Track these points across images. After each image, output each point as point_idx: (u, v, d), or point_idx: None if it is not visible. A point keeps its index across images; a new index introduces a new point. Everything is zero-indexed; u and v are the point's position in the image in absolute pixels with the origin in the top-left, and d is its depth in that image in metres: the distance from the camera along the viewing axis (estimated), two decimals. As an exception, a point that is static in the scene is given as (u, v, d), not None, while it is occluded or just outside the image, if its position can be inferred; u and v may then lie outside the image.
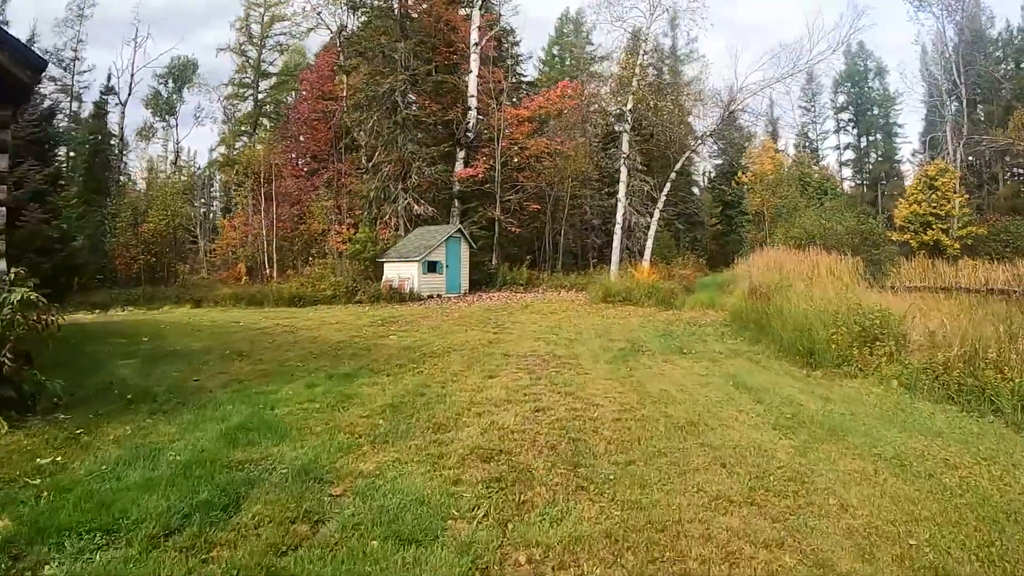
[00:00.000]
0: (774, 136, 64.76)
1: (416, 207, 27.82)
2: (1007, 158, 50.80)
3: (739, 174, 52.15)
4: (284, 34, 55.26)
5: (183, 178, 50.09)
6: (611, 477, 4.87)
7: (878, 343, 10.30)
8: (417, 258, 23.55)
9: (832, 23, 78.47)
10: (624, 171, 30.28)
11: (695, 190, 57.70)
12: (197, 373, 9.27)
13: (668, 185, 31.16)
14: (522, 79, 45.09)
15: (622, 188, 30.27)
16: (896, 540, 3.88)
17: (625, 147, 30.62)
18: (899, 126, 64.20)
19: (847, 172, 67.02)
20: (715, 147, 57.15)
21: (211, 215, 53.39)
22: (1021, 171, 52.03)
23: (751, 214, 49.45)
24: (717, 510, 4.29)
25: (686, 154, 32.46)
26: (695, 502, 4.41)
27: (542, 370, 9.45)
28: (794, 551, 3.68)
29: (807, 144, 66.84)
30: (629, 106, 30.59)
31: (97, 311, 21.16)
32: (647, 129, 32.94)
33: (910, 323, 10.65)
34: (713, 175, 59.57)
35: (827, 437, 6.28)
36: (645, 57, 32.41)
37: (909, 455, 5.75)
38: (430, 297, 23.39)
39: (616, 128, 32.92)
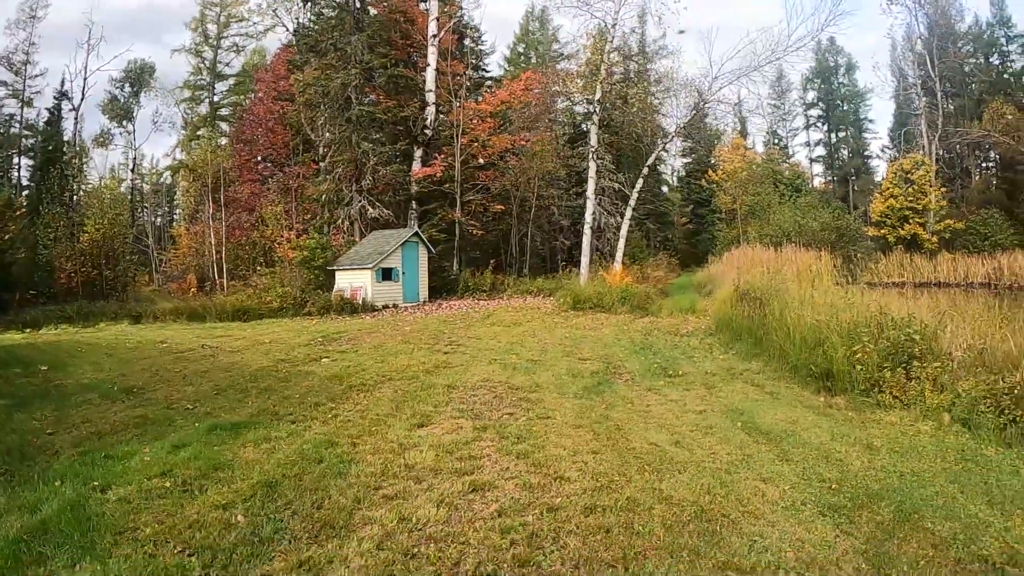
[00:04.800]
0: (743, 134, 63.80)
1: (371, 210, 25.82)
2: (978, 152, 50.57)
3: (709, 172, 51.26)
4: (241, 34, 53.56)
5: (140, 184, 48.05)
6: None
7: (916, 363, 8.12)
8: (370, 265, 21.42)
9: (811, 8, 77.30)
10: (592, 166, 28.38)
11: (664, 189, 56.62)
12: (60, 422, 7.32)
13: (640, 181, 29.35)
14: (485, 75, 43.41)
15: (591, 185, 28.37)
16: None
17: (593, 140, 28.72)
18: (869, 121, 63.50)
19: (818, 168, 66.28)
20: (684, 145, 56.24)
21: (172, 223, 51.32)
22: (992, 164, 51.27)
23: (722, 212, 48.19)
24: None
25: (660, 147, 30.69)
26: None
27: (491, 413, 7.29)
28: None
29: (777, 141, 65.77)
30: (597, 95, 28.76)
31: (28, 330, 19.03)
32: (616, 122, 31.62)
33: (947, 335, 8.56)
34: (682, 173, 58.51)
35: (899, 526, 4.28)
36: (614, 44, 30.82)
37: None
38: (385, 307, 21.34)
39: (583, 124, 31.38)
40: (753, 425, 6.85)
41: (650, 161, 30.00)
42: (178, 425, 6.89)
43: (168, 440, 6.25)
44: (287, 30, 35.75)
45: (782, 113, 66.68)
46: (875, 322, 9.14)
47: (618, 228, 30.37)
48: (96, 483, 5.06)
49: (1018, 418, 6.34)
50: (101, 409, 7.90)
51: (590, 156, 28.18)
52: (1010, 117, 44.87)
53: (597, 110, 28.74)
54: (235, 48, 54.19)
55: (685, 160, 58.54)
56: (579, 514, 4.41)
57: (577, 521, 4.29)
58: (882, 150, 61.16)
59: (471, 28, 41.25)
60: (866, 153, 63.07)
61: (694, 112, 32.44)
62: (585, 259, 27.76)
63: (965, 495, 4.82)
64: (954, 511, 4.50)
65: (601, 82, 28.58)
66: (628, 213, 28.55)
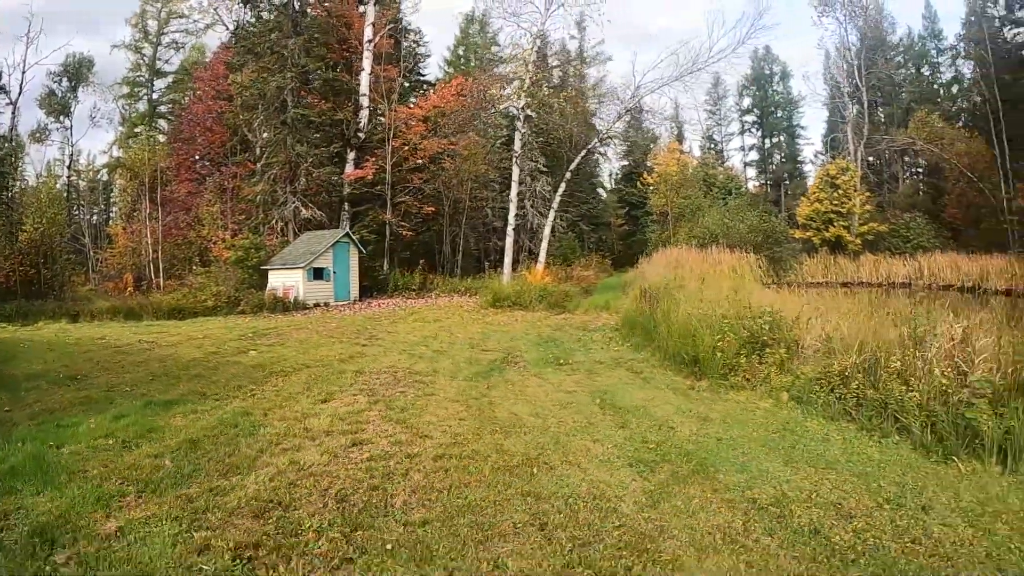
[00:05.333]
0: (680, 138, 65.89)
1: (304, 211, 26.82)
2: (906, 158, 52.76)
3: (644, 175, 52.90)
4: (181, 31, 53.19)
5: (77, 181, 47.87)
6: (389, 547, 4.13)
7: (768, 350, 9.62)
8: (302, 265, 22.52)
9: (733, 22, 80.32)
10: (516, 171, 29.82)
11: (601, 191, 58.16)
12: (15, 403, 8.39)
13: (563, 186, 30.86)
14: (421, 78, 44.47)
15: (514, 188, 29.83)
16: None
17: (517, 146, 30.21)
18: (802, 128, 66.62)
19: (751, 172, 68.83)
20: (621, 148, 57.84)
21: (108, 222, 51.02)
22: (919, 170, 53.89)
23: (655, 214, 49.94)
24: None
25: (581, 154, 32.05)
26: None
27: (387, 391, 8.78)
28: None
29: (712, 146, 68.20)
30: (521, 103, 30.16)
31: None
32: (540, 127, 32.84)
33: (804, 326, 10.01)
34: (619, 176, 60.25)
35: (693, 475, 5.58)
36: (539, 53, 32.19)
37: (792, 500, 5.01)
38: (316, 306, 22.44)
39: (516, 125, 32.38)
40: (611, 402, 8.35)
41: (572, 166, 31.41)
42: (118, 403, 8.11)
43: (110, 413, 7.52)
44: (227, 29, 36.08)
45: (718, 118, 69.17)
46: (742, 315, 10.81)
47: (553, 230, 31.88)
48: (52, 443, 6.29)
49: (844, 396, 7.71)
50: (50, 393, 9.01)
51: (513, 161, 29.48)
52: (940, 126, 47.48)
53: (521, 117, 29.99)
54: (175, 45, 53.93)
55: (623, 163, 60.44)
56: (429, 460, 5.87)
57: (426, 464, 5.75)
58: (816, 155, 63.81)
59: (411, 31, 42.21)
60: (799, 158, 65.76)
61: (616, 119, 33.80)
62: (508, 259, 29.08)
63: (767, 456, 6.13)
64: (748, 467, 5.80)
65: (525, 90, 29.89)
66: (551, 216, 29.91)
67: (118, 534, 4.23)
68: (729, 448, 6.34)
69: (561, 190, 30.82)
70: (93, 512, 4.59)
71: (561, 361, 11.55)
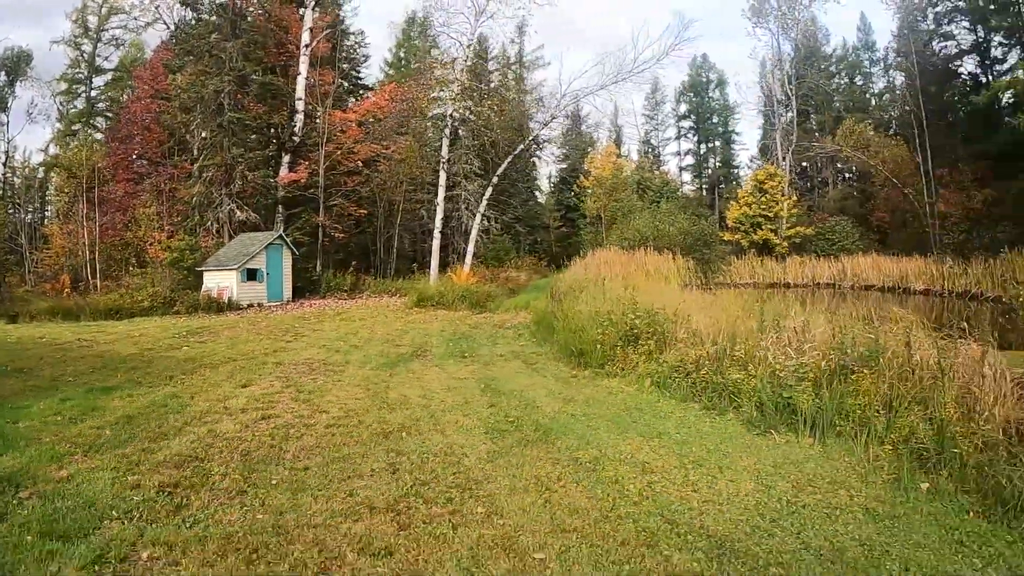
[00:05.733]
0: (618, 142, 67.94)
1: (239, 213, 27.74)
2: (838, 164, 55.28)
3: (581, 178, 54.57)
4: (121, 27, 52.93)
5: (12, 179, 47.79)
6: (274, 483, 5.57)
7: (640, 342, 11.06)
8: (236, 266, 23.54)
9: (662, 33, 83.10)
10: (443, 175, 31.29)
11: (539, 194, 59.74)
12: None
13: (489, 190, 32.34)
14: (359, 81, 45.54)
15: (440, 193, 31.26)
16: (517, 552, 4.28)
17: (445, 152, 31.61)
18: (736, 134, 69.43)
19: (687, 176, 71.30)
20: (560, 152, 59.50)
21: (44, 221, 50.78)
22: (850, 175, 56.46)
23: (590, 217, 51.61)
24: (350, 516, 4.87)
25: (507, 159, 33.60)
26: (336, 508, 5.04)
27: (300, 378, 10.26)
28: (400, 561, 4.19)
29: (650, 150, 70.47)
30: (450, 111, 31.56)
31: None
32: (475, 131, 34.03)
33: (682, 321, 11.43)
34: (557, 179, 61.96)
35: (536, 441, 6.98)
36: (468, 63, 33.53)
37: (611, 459, 6.33)
38: (249, 306, 23.47)
39: (457, 130, 33.72)
40: (494, 388, 9.88)
41: (500, 171, 32.86)
42: (63, 390, 9.36)
43: (56, 397, 8.80)
44: (167, 27, 36.56)
45: (656, 123, 71.48)
46: (627, 312, 12.44)
47: (486, 231, 33.32)
48: (9, 420, 7.60)
49: (695, 381, 9.17)
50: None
51: (441, 166, 30.83)
52: (869, 134, 50.04)
53: (449, 123, 31.39)
54: (115, 42, 53.77)
55: (560, 166, 62.28)
56: (322, 428, 7.38)
57: (318, 431, 7.25)
58: (751, 160, 66.34)
59: (352, 34, 43.32)
60: (735, 163, 68.32)
61: (542, 127, 35.30)
62: (434, 261, 30.42)
63: (607, 428, 7.54)
64: (586, 436, 7.23)
65: (453, 99, 31.30)
66: (477, 219, 31.26)
67: (68, 479, 5.60)
68: (578, 422, 7.84)
69: (487, 194, 32.27)
70: (48, 466, 5.94)
71: (465, 355, 13.10)
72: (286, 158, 30.74)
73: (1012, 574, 4.06)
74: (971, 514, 4.94)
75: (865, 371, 7.41)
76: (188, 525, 4.65)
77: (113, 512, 4.83)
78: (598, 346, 11.51)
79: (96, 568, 3.95)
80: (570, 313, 14.15)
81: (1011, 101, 35.43)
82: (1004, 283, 28.46)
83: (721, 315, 11.37)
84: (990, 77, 38.52)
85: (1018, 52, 37.86)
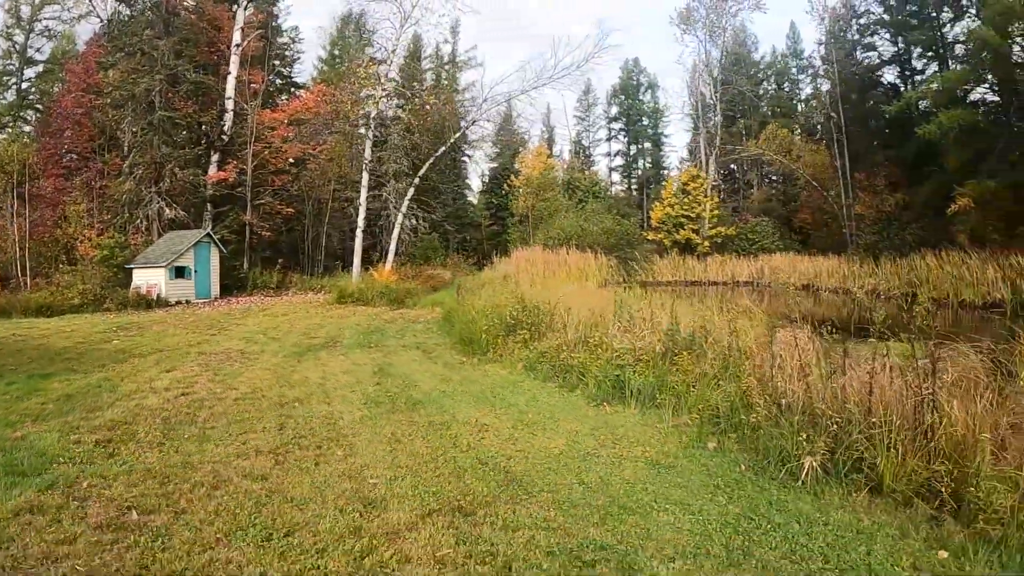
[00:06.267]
0: (550, 142, 70.10)
1: (168, 211, 28.73)
2: (763, 167, 57.96)
3: (511, 177, 56.30)
4: (55, 18, 52.66)
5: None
6: (186, 437, 7.25)
7: (518, 331, 12.96)
8: (164, 264, 24.62)
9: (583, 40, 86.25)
10: (366, 176, 32.79)
11: (469, 193, 61.36)
12: None
13: (412, 190, 33.96)
14: (290, 79, 46.61)
15: (363, 192, 32.74)
16: (358, 479, 6.04)
17: (368, 153, 33.03)
18: (666, 136, 72.14)
19: (617, 177, 73.66)
20: (492, 151, 61.17)
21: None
22: (774, 178, 59.11)
23: (519, 216, 53.43)
24: (241, 457, 6.56)
25: (428, 161, 35.19)
26: (231, 452, 6.72)
27: (218, 364, 11.91)
28: (271, 483, 5.97)
29: (581, 151, 72.70)
30: (373, 113, 33.05)
31: None
32: (397, 134, 35.07)
33: (560, 313, 13.26)
34: (488, 179, 63.62)
35: (403, 410, 8.73)
36: (393, 67, 35.03)
37: (459, 422, 8.02)
38: (178, 303, 24.60)
39: (389, 129, 34.87)
40: (387, 371, 11.67)
41: (422, 172, 34.49)
42: (6, 376, 10.74)
43: (2, 383, 10.36)
44: (101, 20, 36.98)
45: (587, 124, 73.74)
46: (513, 305, 14.34)
47: (414, 230, 34.84)
48: None
49: (556, 364, 11.03)
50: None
51: (364, 168, 32.24)
52: (791, 138, 52.82)
53: (372, 127, 32.85)
54: (47, 33, 52.85)
55: (492, 165, 64.01)
56: (231, 401, 9.07)
57: (227, 403, 8.94)
58: (681, 162, 68.95)
59: (285, 31, 44.37)
60: (664, 165, 70.89)
61: (461, 132, 36.89)
62: (356, 259, 31.90)
63: (468, 402, 9.31)
64: (446, 407, 8.98)
65: (376, 102, 32.73)
66: (399, 218, 32.76)
67: (22, 438, 7.17)
68: (446, 397, 9.61)
69: (410, 194, 33.84)
70: (4, 430, 7.49)
71: (371, 345, 14.85)
72: (215, 157, 31.84)
73: (749, 507, 5.52)
74: (742, 467, 6.41)
75: (685, 353, 9.39)
76: (118, 464, 6.27)
77: (60, 459, 6.41)
78: (484, 336, 13.40)
79: (50, 491, 5.54)
80: (467, 307, 16.04)
81: (925, 110, 38.39)
82: (908, 282, 31.00)
83: (599, 308, 13.33)
84: (909, 87, 41.33)
85: (936, 64, 40.91)
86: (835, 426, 6.21)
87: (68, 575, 4.02)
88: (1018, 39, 31.72)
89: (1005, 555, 4.41)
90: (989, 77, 34.70)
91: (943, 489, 5.26)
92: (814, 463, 5.94)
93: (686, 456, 6.84)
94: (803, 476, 5.92)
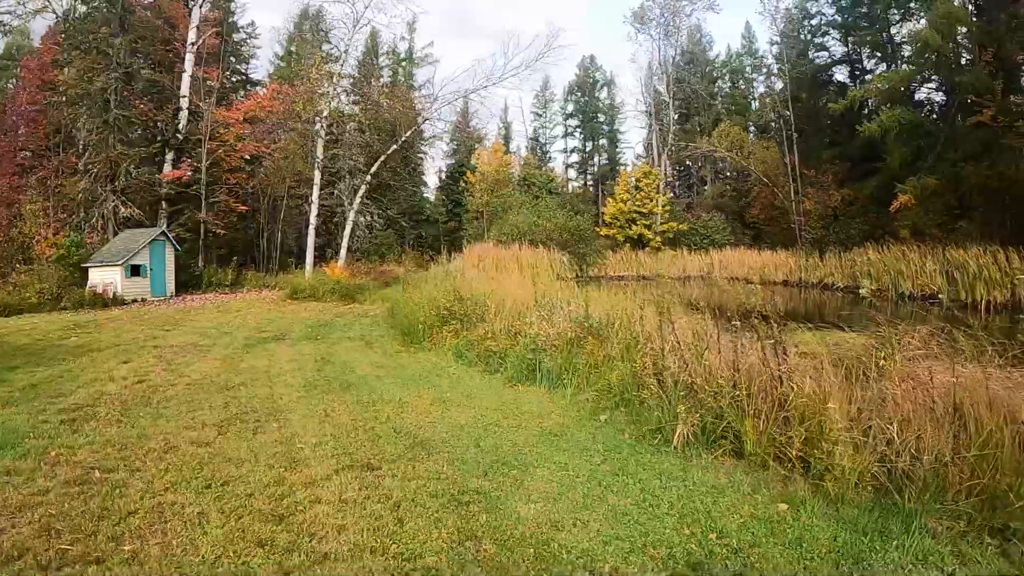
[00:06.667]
0: (507, 138, 71.34)
1: (124, 209, 29.28)
2: (717, 163, 59.50)
3: (468, 173, 57.40)
4: (8, 13, 52.59)
5: None
6: (142, 416, 8.31)
7: (452, 322, 14.24)
8: (120, 262, 25.19)
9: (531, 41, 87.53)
10: (318, 175, 33.65)
11: (425, 189, 62.34)
12: None
13: (364, 187, 34.90)
14: (247, 77, 47.23)
15: (315, 190, 33.60)
16: (289, 444, 7.50)
17: (319, 152, 33.91)
18: (621, 133, 73.88)
19: (573, 173, 75.09)
20: (450, 147, 62.19)
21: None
22: (728, 174, 60.81)
23: (474, 212, 54.52)
24: (189, 429, 7.68)
25: (380, 159, 36.07)
26: (181, 425, 7.85)
27: (172, 356, 12.91)
28: (214, 448, 7.22)
29: (537, 147, 74.02)
30: (325, 112, 33.88)
31: None
32: (352, 131, 36.15)
33: (494, 305, 14.34)
34: (445, 174, 64.65)
35: (337, 391, 9.91)
36: (344, 68, 35.89)
37: (384, 401, 9.16)
38: (134, 301, 25.19)
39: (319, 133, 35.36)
40: (328, 360, 12.77)
41: (373, 169, 35.33)
42: None
43: (-34, 374, 11.34)
44: (56, 16, 37.24)
45: (544, 121, 75.07)
46: (450, 299, 15.52)
47: (368, 227, 35.75)
48: None
49: (481, 351, 12.25)
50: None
51: (315, 166, 33.09)
52: (746, 135, 54.44)
53: (324, 125, 33.65)
54: (1, 28, 53.22)
55: (449, 161, 65.07)
56: (183, 386, 10.13)
57: (180, 388, 10.00)
58: (637, 158, 70.65)
59: (242, 28, 44.94)
60: (620, 161, 72.48)
61: (409, 131, 37.82)
62: (309, 256, 32.81)
63: (396, 383, 10.51)
64: (375, 388, 10.16)
65: (329, 102, 33.55)
66: (351, 215, 33.66)
67: (-6, 419, 8.26)
68: (378, 381, 10.77)
69: (362, 192, 34.75)
70: (-23, 413, 8.57)
71: (318, 337, 15.91)
72: (170, 155, 32.42)
73: (619, 466, 6.60)
74: (625, 435, 7.52)
75: (591, 338, 10.63)
76: (82, 437, 7.33)
77: (30, 434, 7.43)
78: (421, 327, 14.60)
79: (23, 459, 6.57)
80: (409, 300, 17.19)
81: (872, 109, 40.23)
82: (851, 275, 32.59)
83: (531, 299, 14.53)
84: (858, 86, 43.08)
85: (884, 64, 42.79)
86: (709, 399, 7.34)
87: (43, 518, 5.10)
88: (962, 41, 33.61)
89: (839, 507, 5.39)
90: (934, 77, 36.55)
91: (793, 452, 6.30)
92: (685, 431, 7.09)
93: (578, 427, 8.03)
94: (675, 442, 7.06)
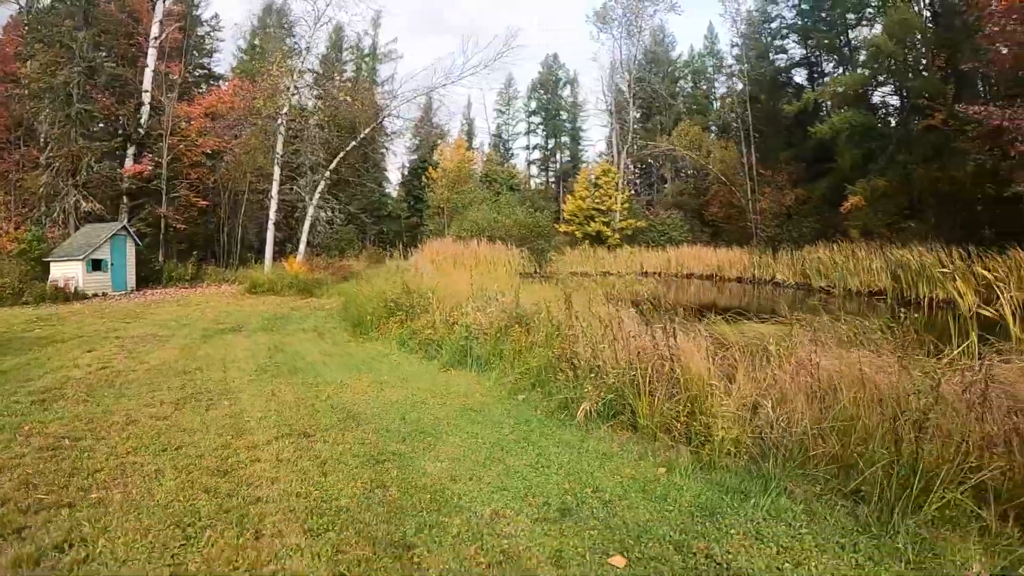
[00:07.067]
0: (470, 134, 72.37)
1: (85, 204, 29.72)
2: (677, 162, 60.70)
3: (430, 169, 58.28)
4: None
5: None
6: (106, 395, 9.28)
7: (398, 313, 15.41)
8: (81, 257, 25.67)
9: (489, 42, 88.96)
10: (277, 171, 34.39)
11: (388, 184, 63.16)
12: None
13: (323, 183, 35.76)
14: (210, 71, 47.72)
15: (275, 186, 34.37)
16: (238, 417, 8.51)
17: (279, 148, 34.58)
18: (583, 131, 75.52)
19: (535, 170, 76.44)
20: (412, 143, 63.03)
21: None
22: (689, 173, 62.17)
23: (435, 208, 55.51)
24: (149, 406, 8.68)
25: (338, 156, 36.85)
26: (141, 403, 8.85)
27: (134, 345, 13.84)
28: (171, 420, 8.29)
29: (500, 143, 75.12)
30: (284, 109, 34.58)
31: None
32: (314, 126, 36.64)
33: (437, 298, 15.37)
34: (407, 170, 65.49)
35: (284, 375, 10.96)
36: (306, 65, 36.65)
37: (326, 382, 10.27)
38: (95, 296, 25.66)
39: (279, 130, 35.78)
40: (281, 349, 13.80)
41: (332, 165, 36.23)
42: None
43: (-62, 361, 12.19)
44: (19, 6, 37.24)
45: (507, 118, 76.20)
46: (398, 291, 16.61)
47: (329, 222, 36.55)
48: None
49: (422, 339, 13.40)
50: None
51: (275, 162, 33.85)
52: (707, 135, 55.80)
53: (283, 122, 34.34)
54: None
55: (412, 157, 65.92)
56: (144, 371, 11.11)
57: (140, 373, 10.97)
58: (599, 156, 71.94)
59: (206, 21, 45.40)
60: (582, 159, 73.83)
61: (369, 128, 38.64)
62: (268, 251, 33.62)
63: (340, 369, 11.58)
64: (320, 372, 11.21)
65: (289, 99, 34.26)
66: (310, 211, 34.45)
67: (-29, 399, 9.19)
68: (324, 367, 11.83)
69: (320, 187, 35.54)
70: (-47, 395, 9.48)
71: (273, 329, 16.90)
72: (131, 150, 32.88)
73: (523, 436, 7.62)
74: (537, 411, 8.61)
75: (517, 326, 11.76)
76: (52, 414, 8.30)
77: (4, 412, 8.35)
78: (370, 318, 15.69)
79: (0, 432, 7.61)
80: (359, 294, 18.24)
81: (828, 112, 41.88)
82: (802, 272, 33.97)
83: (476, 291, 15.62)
84: (816, 88, 44.63)
85: (841, 68, 44.46)
86: (612, 379, 8.43)
87: (22, 476, 6.10)
88: (917, 46, 35.22)
89: (712, 472, 6.23)
90: (890, 81, 38.19)
91: (679, 425, 7.31)
92: (588, 407, 8.22)
93: (496, 405, 9.12)
94: (579, 417, 8.15)
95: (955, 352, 6.81)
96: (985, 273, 19.84)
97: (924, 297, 24.54)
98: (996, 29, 23.60)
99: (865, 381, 6.57)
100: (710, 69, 67.28)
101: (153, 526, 4.97)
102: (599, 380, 8.57)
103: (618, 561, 4.57)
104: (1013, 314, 11.55)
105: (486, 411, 8.77)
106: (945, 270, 23.58)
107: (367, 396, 9.49)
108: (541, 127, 76.31)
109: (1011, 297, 12.81)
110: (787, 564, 4.52)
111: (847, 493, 5.53)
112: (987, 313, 12.67)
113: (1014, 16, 22.70)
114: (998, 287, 16.23)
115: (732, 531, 5.01)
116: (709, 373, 7.63)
